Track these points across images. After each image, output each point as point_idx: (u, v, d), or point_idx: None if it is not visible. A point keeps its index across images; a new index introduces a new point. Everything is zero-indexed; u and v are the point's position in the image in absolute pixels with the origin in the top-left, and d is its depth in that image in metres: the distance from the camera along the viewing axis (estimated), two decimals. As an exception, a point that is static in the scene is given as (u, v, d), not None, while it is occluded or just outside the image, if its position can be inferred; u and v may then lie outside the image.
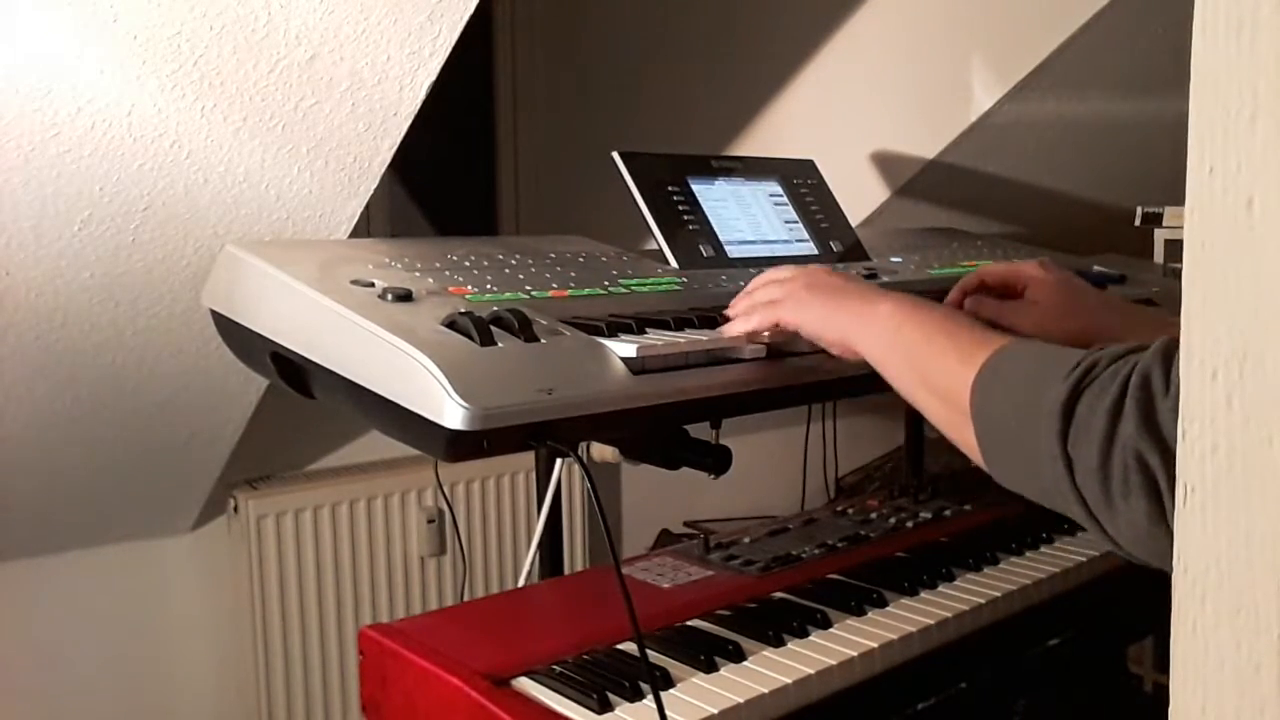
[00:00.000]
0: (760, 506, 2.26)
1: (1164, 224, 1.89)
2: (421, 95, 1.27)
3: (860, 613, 1.06)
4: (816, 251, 1.34)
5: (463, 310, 0.89)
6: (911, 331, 0.86)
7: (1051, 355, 0.74)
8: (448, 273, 1.03)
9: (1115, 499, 0.65)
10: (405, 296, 0.92)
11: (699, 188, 1.27)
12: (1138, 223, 1.93)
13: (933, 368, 0.82)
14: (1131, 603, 1.23)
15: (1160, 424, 0.62)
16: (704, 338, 0.97)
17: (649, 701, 0.86)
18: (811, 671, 0.94)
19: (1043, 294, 1.12)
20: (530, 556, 1.31)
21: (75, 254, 1.29)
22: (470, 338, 0.85)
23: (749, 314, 0.99)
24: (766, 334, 0.99)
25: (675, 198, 1.24)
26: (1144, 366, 0.64)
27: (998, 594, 1.13)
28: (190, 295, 1.41)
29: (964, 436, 0.79)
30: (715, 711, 0.87)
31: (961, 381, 0.78)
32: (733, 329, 1.00)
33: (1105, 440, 0.65)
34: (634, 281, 1.13)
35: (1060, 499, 0.70)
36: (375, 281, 0.95)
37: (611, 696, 0.88)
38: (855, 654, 0.98)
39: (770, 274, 1.03)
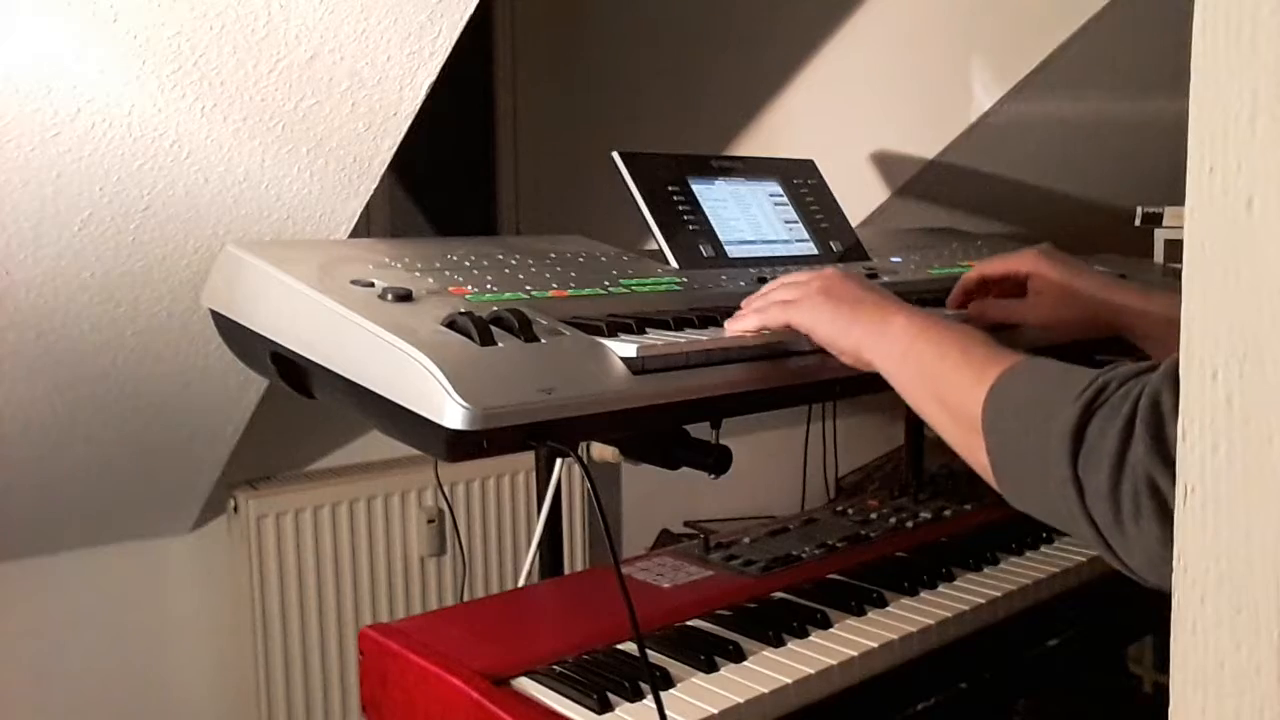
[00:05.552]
0: (760, 506, 2.26)
1: (1164, 224, 1.89)
2: (421, 95, 1.27)
3: (860, 613, 1.06)
4: (816, 252, 1.33)
5: (463, 310, 0.89)
6: (925, 347, 0.85)
7: (1063, 375, 0.73)
8: (448, 273, 1.03)
9: (1126, 523, 0.64)
10: (405, 296, 0.92)
11: (699, 188, 1.27)
12: (1138, 223, 1.93)
13: (946, 384, 0.81)
14: (1131, 603, 1.22)
15: (1171, 446, 0.61)
16: (704, 338, 0.97)
17: (649, 701, 0.86)
18: (811, 671, 0.94)
19: (1046, 283, 1.11)
20: (530, 556, 1.31)
21: (75, 254, 1.29)
22: (470, 338, 0.85)
23: (762, 310, 0.98)
24: (769, 331, 0.98)
25: (675, 198, 1.24)
26: (1153, 388, 0.63)
27: (998, 594, 1.13)
28: (190, 295, 1.40)
29: (975, 454, 0.78)
30: (715, 711, 0.87)
31: (974, 399, 0.77)
32: (741, 324, 0.99)
33: (1116, 464, 0.64)
34: (634, 281, 1.13)
35: (1071, 521, 0.69)
36: (375, 281, 0.95)
37: (611, 696, 0.88)
38: (855, 654, 0.98)
39: (787, 277, 1.03)
